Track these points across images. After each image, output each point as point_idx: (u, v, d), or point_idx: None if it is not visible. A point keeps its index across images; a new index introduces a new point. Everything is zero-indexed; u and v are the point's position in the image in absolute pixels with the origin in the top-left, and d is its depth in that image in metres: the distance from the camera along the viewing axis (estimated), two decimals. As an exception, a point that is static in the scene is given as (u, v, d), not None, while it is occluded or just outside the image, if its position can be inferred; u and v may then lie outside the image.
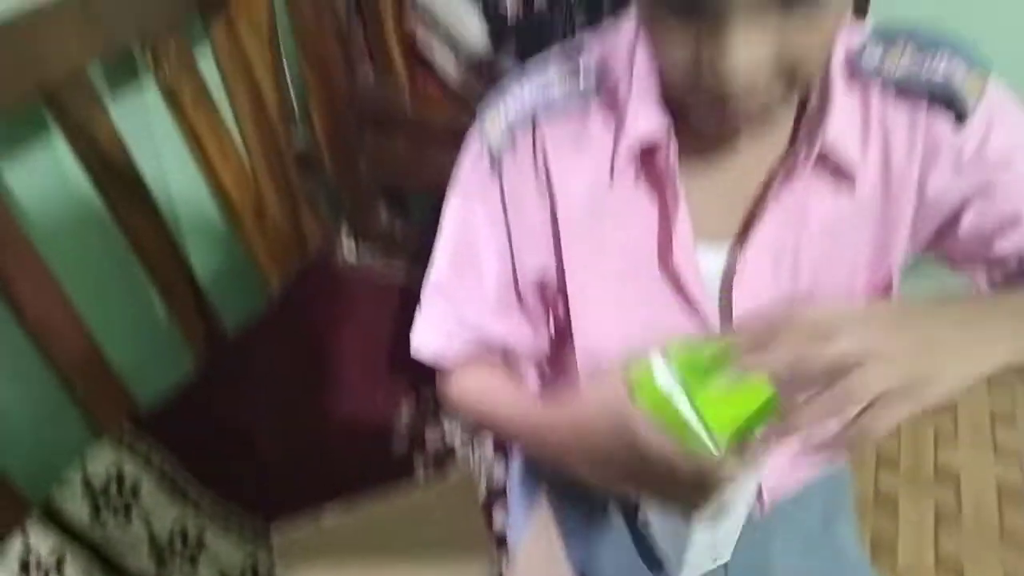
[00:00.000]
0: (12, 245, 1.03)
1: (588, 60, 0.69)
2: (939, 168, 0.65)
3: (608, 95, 0.67)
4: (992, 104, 0.64)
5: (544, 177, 0.70)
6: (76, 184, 1.16)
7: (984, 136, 0.64)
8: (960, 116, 0.63)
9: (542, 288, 0.77)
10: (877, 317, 0.53)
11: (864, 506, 1.44)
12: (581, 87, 0.68)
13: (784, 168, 0.65)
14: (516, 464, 1.01)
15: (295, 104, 1.50)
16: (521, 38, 1.45)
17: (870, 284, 0.72)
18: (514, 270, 0.75)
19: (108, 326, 1.22)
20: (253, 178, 1.43)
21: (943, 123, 0.64)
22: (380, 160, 1.56)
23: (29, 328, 1.08)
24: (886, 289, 0.72)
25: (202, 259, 1.40)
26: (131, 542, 1.17)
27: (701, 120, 0.61)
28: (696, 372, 0.53)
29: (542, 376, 0.87)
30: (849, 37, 0.65)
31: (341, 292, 1.57)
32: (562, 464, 0.66)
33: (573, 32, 1.42)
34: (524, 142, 0.70)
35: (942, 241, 0.71)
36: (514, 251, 0.74)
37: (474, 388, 0.80)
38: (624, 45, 0.67)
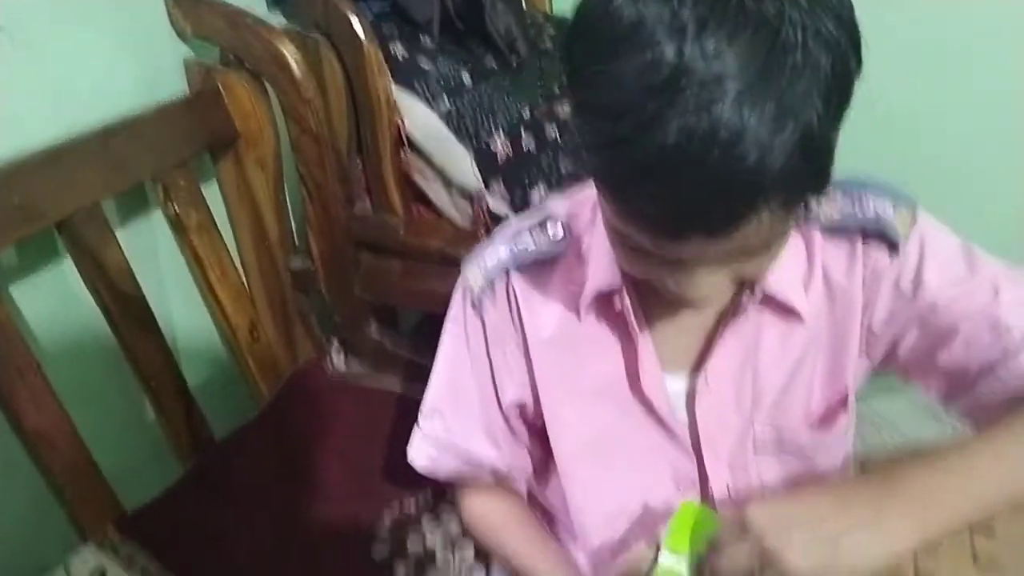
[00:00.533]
0: (17, 361, 1.14)
1: (556, 218, 0.79)
2: (882, 295, 0.73)
3: (573, 248, 0.78)
4: (922, 232, 0.72)
5: (517, 319, 0.81)
6: (81, 302, 1.28)
7: (918, 263, 0.72)
8: (893, 247, 0.71)
9: (524, 415, 0.88)
10: (778, 520, 0.59)
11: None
12: (549, 242, 0.79)
13: (733, 310, 0.74)
14: (495, 570, 1.08)
15: (295, 231, 1.62)
16: (508, 175, 1.56)
17: (825, 400, 0.79)
18: (497, 399, 0.86)
19: (100, 433, 1.31)
20: (249, 297, 1.54)
21: (880, 253, 0.72)
22: (373, 281, 1.65)
23: (25, 436, 1.17)
24: (841, 404, 0.79)
25: (196, 371, 1.49)
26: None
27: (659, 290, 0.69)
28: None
29: (530, 494, 0.95)
30: None
31: (328, 400, 1.65)
32: None
33: (558, 171, 1.53)
34: (500, 289, 0.81)
35: (892, 360, 0.78)
36: (496, 382, 0.85)
37: (486, 520, 0.92)
38: (588, 206, 0.78)
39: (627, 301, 0.74)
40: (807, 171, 0.51)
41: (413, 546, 1.39)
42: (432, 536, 1.41)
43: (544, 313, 0.80)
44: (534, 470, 0.93)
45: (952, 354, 0.72)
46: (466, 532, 0.91)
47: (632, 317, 0.75)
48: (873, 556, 0.56)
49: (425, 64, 1.47)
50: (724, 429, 0.78)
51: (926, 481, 0.61)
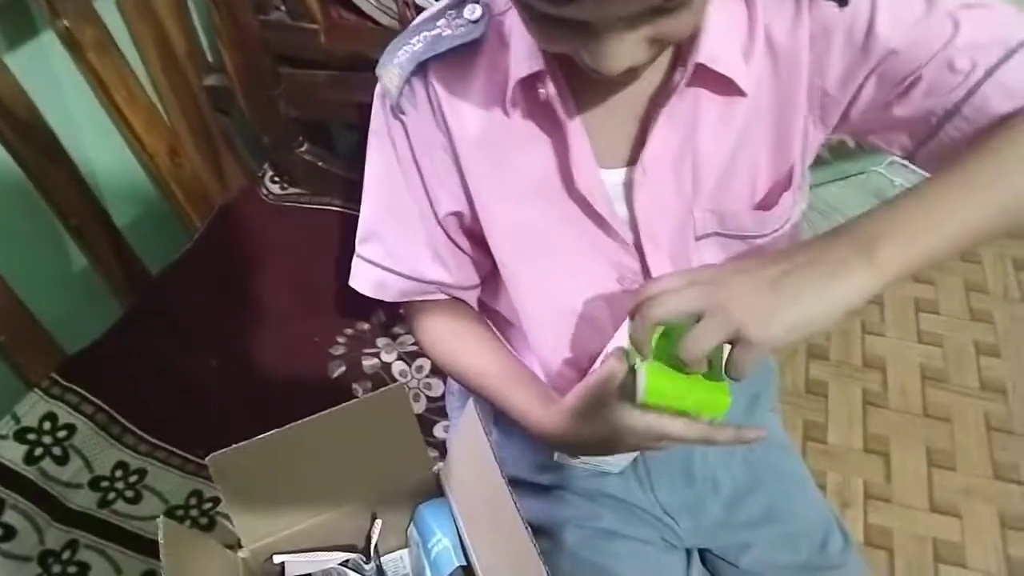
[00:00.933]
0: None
1: (474, 2, 0.71)
2: (833, 51, 0.66)
3: (494, 30, 0.70)
4: None
5: (441, 118, 0.73)
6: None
7: (871, 7, 0.64)
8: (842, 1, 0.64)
9: (463, 223, 0.81)
10: (721, 275, 0.57)
11: (796, 397, 1.53)
12: (467, 25, 0.70)
13: (665, 88, 0.67)
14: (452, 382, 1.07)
15: (205, 45, 1.48)
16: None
17: (772, 178, 0.74)
18: (434, 211, 0.79)
19: (31, 279, 1.23)
20: (166, 121, 1.43)
21: (827, 4, 0.65)
22: (298, 96, 1.54)
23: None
24: (788, 182, 0.74)
25: (120, 206, 1.40)
26: (71, 481, 1.20)
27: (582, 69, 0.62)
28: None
29: (483, 305, 0.91)
30: None
31: (266, 225, 1.58)
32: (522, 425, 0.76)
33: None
34: (419, 86, 0.73)
35: (848, 121, 0.71)
36: (430, 194, 0.78)
37: (442, 343, 0.86)
38: None
39: (552, 88, 0.67)
40: None
41: (368, 364, 1.38)
42: (388, 354, 1.39)
43: (468, 108, 0.72)
44: (483, 281, 0.87)
45: (913, 102, 0.66)
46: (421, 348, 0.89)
47: (560, 105, 0.68)
48: (819, 306, 0.53)
49: None
50: (664, 218, 0.72)
51: (893, 216, 0.57)
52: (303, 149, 1.62)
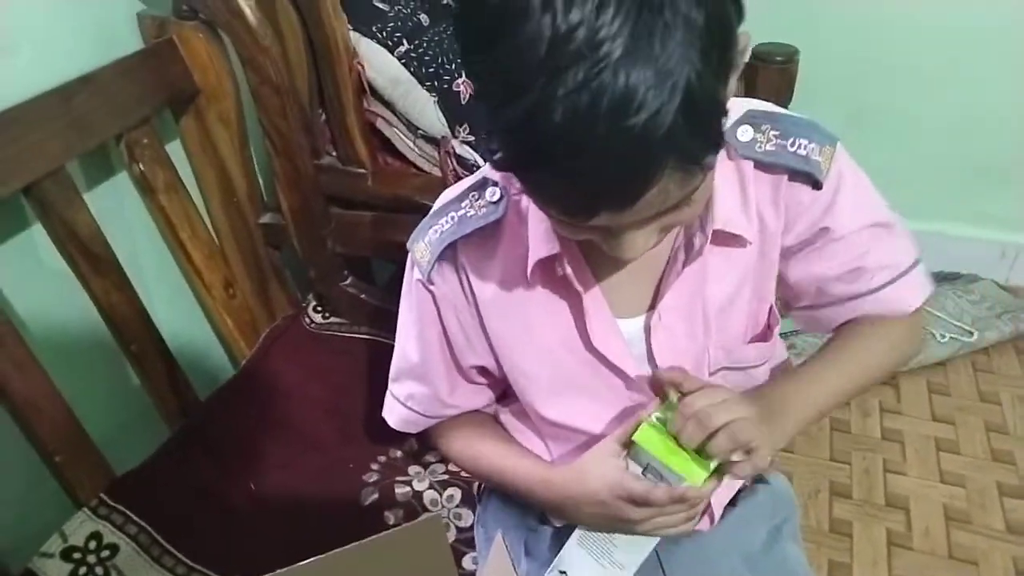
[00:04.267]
0: (-3, 330, 1.12)
1: (492, 179, 0.81)
2: (800, 222, 0.81)
3: (513, 209, 0.80)
4: (839, 168, 0.79)
5: (469, 290, 0.85)
6: (55, 269, 1.25)
7: (833, 196, 0.79)
8: (816, 185, 0.78)
9: (487, 374, 0.94)
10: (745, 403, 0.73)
11: (820, 535, 1.53)
12: (487, 206, 0.80)
13: (685, 252, 0.77)
14: (480, 507, 1.12)
15: (263, 187, 1.60)
16: (473, 117, 1.55)
17: (761, 314, 0.87)
18: (457, 363, 0.92)
19: (86, 399, 1.30)
20: (222, 255, 1.53)
21: (803, 190, 0.79)
22: (345, 234, 1.65)
23: (12, 404, 1.16)
24: (767, 334, 0.88)
25: (175, 333, 1.48)
26: (109, 605, 1.23)
27: None
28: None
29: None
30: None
31: (307, 353, 1.65)
32: (546, 509, 0.91)
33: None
34: (447, 264, 0.85)
35: (794, 292, 0.89)
36: (454, 352, 0.90)
37: (462, 445, 0.98)
38: None
39: (568, 268, 0.77)
40: (694, 131, 0.52)
41: (401, 492, 1.41)
42: (419, 482, 1.43)
43: (493, 279, 0.83)
44: (497, 397, 1.00)
45: (818, 277, 0.85)
46: (452, 475, 1.00)
47: (575, 280, 0.78)
48: (785, 434, 0.78)
49: (382, 4, 1.46)
50: (679, 359, 0.82)
51: (785, 393, 0.80)
52: (347, 283, 1.71)
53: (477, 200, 0.82)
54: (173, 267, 1.49)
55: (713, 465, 0.73)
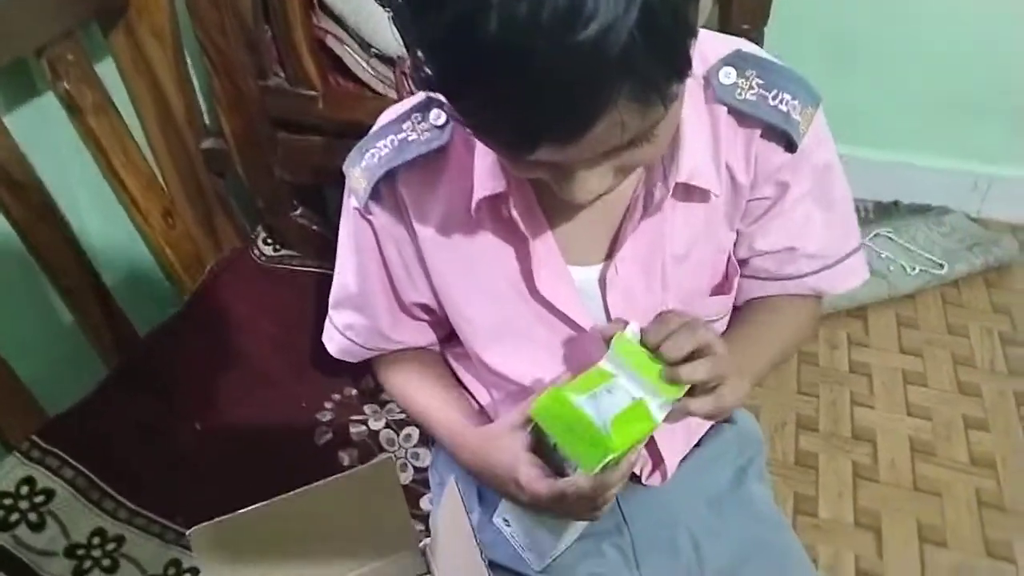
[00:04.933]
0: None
1: (439, 107, 0.73)
2: (767, 180, 0.74)
3: (459, 140, 0.72)
4: (815, 132, 0.72)
5: (408, 223, 0.77)
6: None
7: (800, 161, 0.73)
8: (791, 146, 0.71)
9: (428, 310, 0.87)
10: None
11: (787, 468, 1.51)
12: (431, 131, 0.72)
13: (644, 203, 0.69)
14: (433, 451, 1.07)
15: (204, 110, 1.50)
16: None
17: (721, 267, 0.81)
18: (398, 297, 0.85)
19: (14, 337, 1.22)
20: (161, 183, 1.43)
21: (776, 149, 0.72)
22: (293, 160, 1.56)
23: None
24: (727, 285, 0.82)
25: (112, 266, 1.40)
26: (46, 549, 1.17)
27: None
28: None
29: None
30: (711, 47, 0.69)
31: (257, 287, 1.58)
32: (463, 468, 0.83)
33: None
34: (386, 192, 0.76)
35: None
36: (395, 286, 0.84)
37: (400, 383, 0.92)
38: None
39: (515, 210, 0.69)
40: (655, 52, 0.44)
41: (356, 431, 1.36)
42: (375, 421, 1.38)
43: (435, 212, 0.75)
44: (442, 337, 0.94)
45: (751, 248, 0.80)
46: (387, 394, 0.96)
47: (522, 223, 0.70)
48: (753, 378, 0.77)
49: (329, -89, 1.35)
50: (635, 312, 0.75)
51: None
52: (296, 212, 1.63)
53: (420, 123, 0.73)
54: (107, 195, 1.39)
55: (615, 450, 0.60)
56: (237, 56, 1.38)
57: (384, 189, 0.76)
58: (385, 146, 0.75)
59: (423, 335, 0.91)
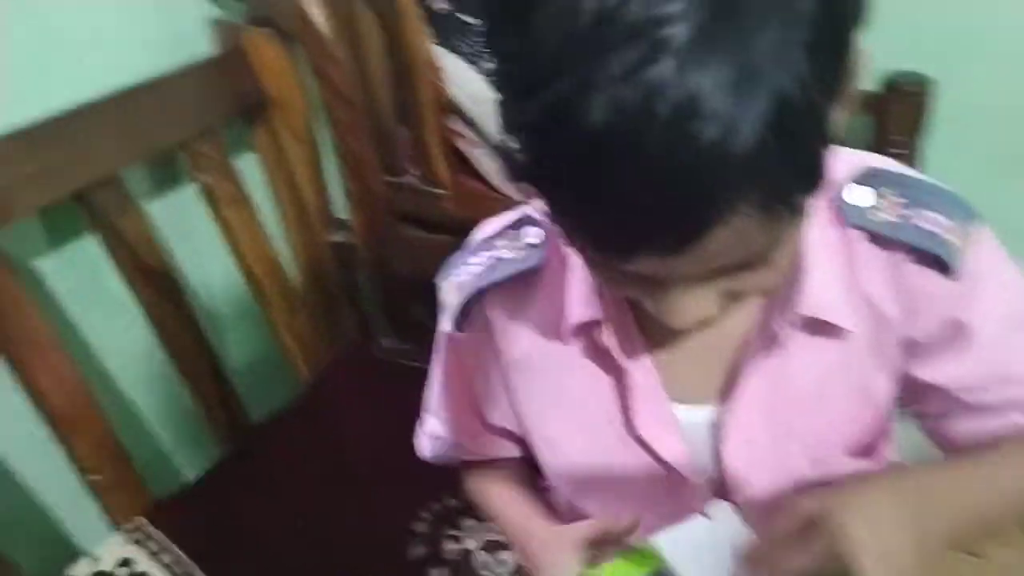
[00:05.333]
0: (34, 337, 1.08)
1: (532, 217, 0.68)
2: (925, 315, 0.62)
3: (555, 260, 0.67)
4: (981, 253, 0.60)
5: (495, 345, 0.72)
6: (106, 281, 1.21)
7: (970, 292, 0.60)
8: (946, 271, 0.59)
9: (512, 436, 0.81)
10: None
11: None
12: (524, 249, 0.68)
13: (762, 338, 0.61)
14: None
15: (333, 202, 1.54)
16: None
17: (852, 440, 0.68)
18: (482, 417, 0.80)
19: (132, 416, 1.25)
20: (287, 273, 1.47)
21: (927, 274, 0.60)
22: (418, 256, 1.56)
23: (49, 418, 1.12)
24: (872, 450, 0.68)
25: (233, 351, 1.43)
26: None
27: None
28: None
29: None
30: (836, 164, 0.61)
31: (373, 381, 1.57)
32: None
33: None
34: (476, 312, 0.72)
35: (921, 394, 0.67)
36: (481, 404, 0.80)
37: (480, 490, 0.88)
38: None
39: (610, 339, 0.63)
40: (786, 156, 0.38)
41: (450, 548, 1.31)
42: (471, 539, 1.32)
43: (526, 336, 0.70)
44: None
45: (952, 380, 0.65)
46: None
47: (619, 354, 0.63)
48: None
49: (468, 18, 1.37)
50: (754, 467, 0.66)
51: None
52: (418, 308, 1.63)
53: (515, 240, 0.69)
54: (237, 282, 1.43)
55: None
56: (365, 155, 1.41)
57: (474, 308, 0.72)
58: (478, 264, 0.71)
59: (507, 451, 0.85)
